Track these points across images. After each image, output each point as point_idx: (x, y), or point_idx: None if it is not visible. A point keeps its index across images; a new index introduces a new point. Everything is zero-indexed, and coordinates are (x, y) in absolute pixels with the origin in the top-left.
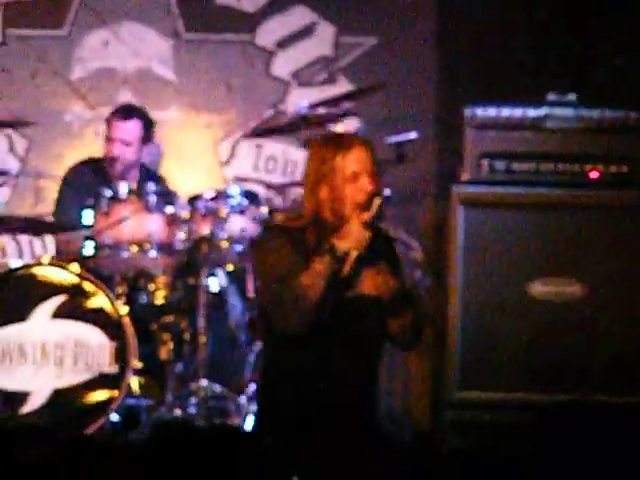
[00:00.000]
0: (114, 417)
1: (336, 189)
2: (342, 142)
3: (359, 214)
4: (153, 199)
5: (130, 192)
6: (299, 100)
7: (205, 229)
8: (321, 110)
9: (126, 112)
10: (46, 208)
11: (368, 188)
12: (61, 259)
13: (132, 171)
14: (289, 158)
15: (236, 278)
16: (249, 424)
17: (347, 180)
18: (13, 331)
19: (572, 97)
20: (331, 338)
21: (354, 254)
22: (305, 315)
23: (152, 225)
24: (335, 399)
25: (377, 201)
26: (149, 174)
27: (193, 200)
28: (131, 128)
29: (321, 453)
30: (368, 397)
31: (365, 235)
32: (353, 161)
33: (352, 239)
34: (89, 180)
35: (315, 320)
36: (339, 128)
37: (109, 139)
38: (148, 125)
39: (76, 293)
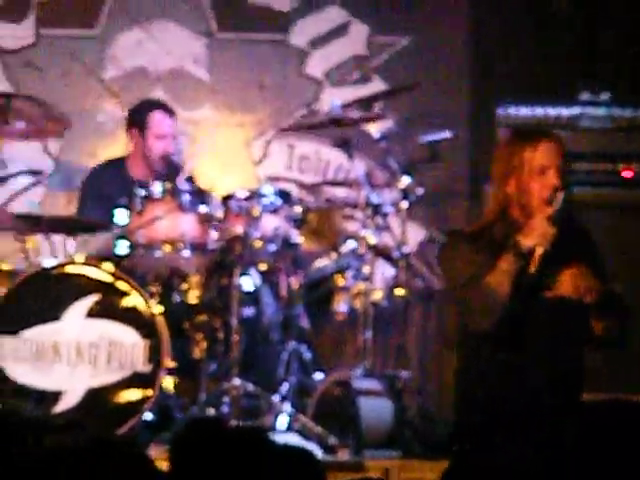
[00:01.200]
0: (147, 416)
1: (523, 183)
2: (531, 135)
3: (543, 209)
4: (187, 198)
5: (164, 191)
6: (332, 99)
7: (238, 228)
8: (354, 109)
9: (168, 109)
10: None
11: (554, 183)
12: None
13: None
14: (322, 157)
15: (269, 277)
16: (281, 423)
17: (534, 174)
18: (47, 330)
19: (605, 96)
20: (530, 340)
21: (539, 251)
22: (494, 314)
23: (185, 224)
24: (533, 402)
25: (561, 195)
26: (178, 171)
27: (226, 199)
28: (174, 123)
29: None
30: (568, 402)
31: (549, 231)
32: (542, 154)
33: (536, 235)
34: (109, 187)
35: (507, 320)
36: (372, 127)
37: (159, 136)
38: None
39: (110, 292)
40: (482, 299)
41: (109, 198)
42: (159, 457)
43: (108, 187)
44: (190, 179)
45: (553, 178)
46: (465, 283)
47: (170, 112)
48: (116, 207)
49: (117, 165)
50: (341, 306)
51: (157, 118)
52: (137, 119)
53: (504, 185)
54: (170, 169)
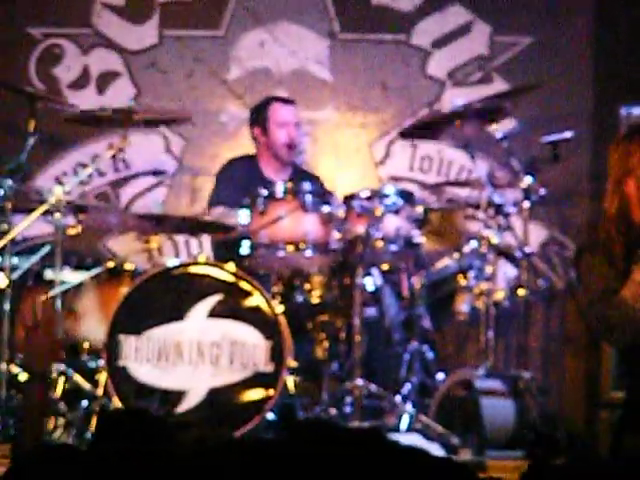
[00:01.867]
0: (270, 416)
1: None
2: None
3: None
4: (309, 198)
5: (286, 191)
6: (454, 99)
7: (360, 228)
8: (477, 109)
9: (286, 99)
10: (202, 207)
11: None
12: (217, 257)
13: (286, 169)
14: (444, 158)
15: (391, 277)
16: (404, 424)
17: None
18: (170, 330)
19: None
20: None
21: None
22: (632, 327)
23: (308, 224)
24: None
25: None
26: (302, 173)
27: (348, 199)
28: (294, 111)
29: None
30: None
31: None
32: None
33: None
34: (242, 176)
35: None
36: (494, 128)
37: (280, 124)
38: None
39: (232, 292)
40: (620, 315)
41: (242, 188)
42: None
43: (242, 178)
44: (316, 178)
45: None
46: (600, 298)
47: (288, 100)
48: (240, 207)
49: (251, 160)
50: (463, 306)
51: (276, 107)
52: (258, 115)
53: (622, 186)
54: (296, 173)
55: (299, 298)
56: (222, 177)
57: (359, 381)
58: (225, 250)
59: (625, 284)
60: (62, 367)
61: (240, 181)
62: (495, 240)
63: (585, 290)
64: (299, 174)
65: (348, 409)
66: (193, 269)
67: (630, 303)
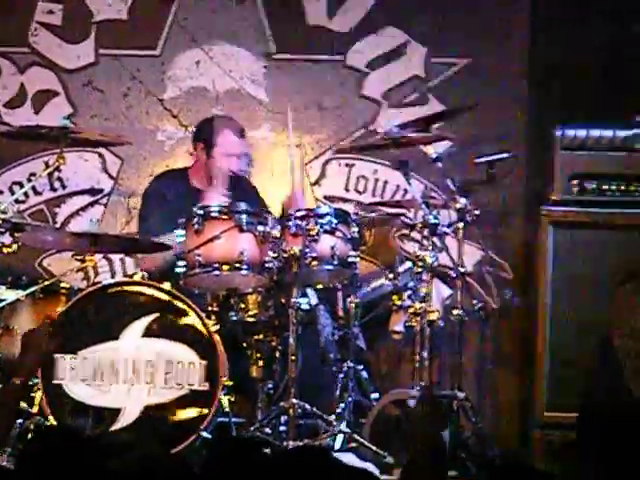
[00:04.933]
0: (205, 435)
1: None
2: None
3: None
4: (245, 217)
5: (221, 210)
6: (390, 120)
7: (295, 248)
8: (412, 130)
9: (240, 130)
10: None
11: None
12: (152, 277)
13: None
14: (379, 178)
15: (326, 297)
16: (338, 443)
17: None
18: (105, 349)
19: None
20: None
21: None
22: None
23: (243, 243)
24: None
25: None
26: (239, 182)
27: (284, 219)
28: (245, 143)
29: None
30: None
31: None
32: None
33: None
34: (171, 192)
35: None
36: (430, 148)
37: (228, 154)
38: None
39: (167, 311)
40: None
41: (171, 205)
42: None
43: (170, 194)
44: (252, 188)
45: None
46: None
47: (242, 132)
48: (175, 228)
49: (179, 174)
50: (398, 326)
51: (227, 137)
52: (205, 134)
53: None
54: (234, 186)
55: (234, 317)
56: (151, 195)
57: (294, 400)
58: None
59: None
60: None
61: (170, 197)
62: (430, 260)
63: (619, 323)
64: (237, 187)
65: (283, 428)
66: (128, 288)
67: None
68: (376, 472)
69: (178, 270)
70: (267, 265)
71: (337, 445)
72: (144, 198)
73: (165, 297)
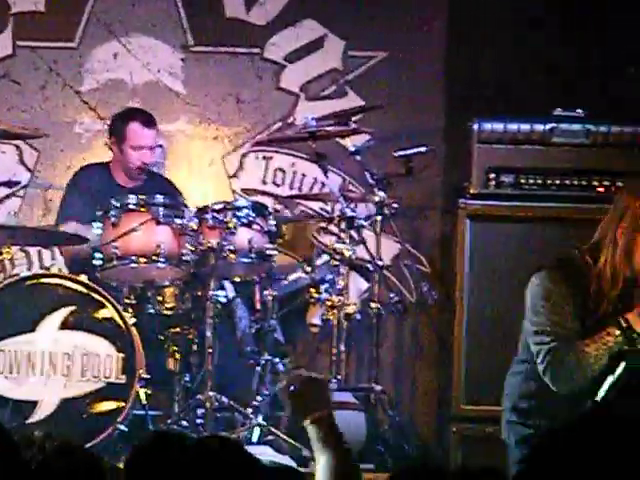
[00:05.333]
0: (122, 427)
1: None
2: None
3: None
4: (162, 210)
5: (139, 203)
6: (308, 113)
7: (213, 241)
8: (330, 123)
9: (148, 120)
10: (55, 219)
11: None
12: (70, 269)
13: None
14: (297, 171)
15: (243, 290)
16: (255, 436)
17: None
18: (22, 341)
19: (579, 112)
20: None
21: None
22: (582, 382)
23: (160, 236)
24: None
25: None
26: (156, 179)
27: (201, 212)
28: (153, 135)
29: None
30: None
31: None
32: None
33: None
34: (94, 185)
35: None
36: (348, 142)
37: (136, 147)
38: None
39: (84, 304)
40: (575, 365)
41: (93, 196)
42: None
43: (94, 187)
44: (170, 183)
45: None
46: (564, 337)
47: (149, 123)
48: (93, 220)
49: (103, 167)
50: (315, 319)
51: (133, 129)
52: (116, 128)
53: (636, 235)
54: (150, 180)
55: (151, 310)
56: (73, 186)
57: (211, 393)
58: (78, 262)
59: (593, 339)
60: None
61: (92, 190)
62: (347, 253)
63: (538, 320)
64: (153, 180)
65: (200, 421)
66: (45, 280)
67: (591, 362)
68: (292, 465)
69: (95, 262)
70: (184, 258)
71: (254, 438)
72: (67, 188)
73: (82, 289)
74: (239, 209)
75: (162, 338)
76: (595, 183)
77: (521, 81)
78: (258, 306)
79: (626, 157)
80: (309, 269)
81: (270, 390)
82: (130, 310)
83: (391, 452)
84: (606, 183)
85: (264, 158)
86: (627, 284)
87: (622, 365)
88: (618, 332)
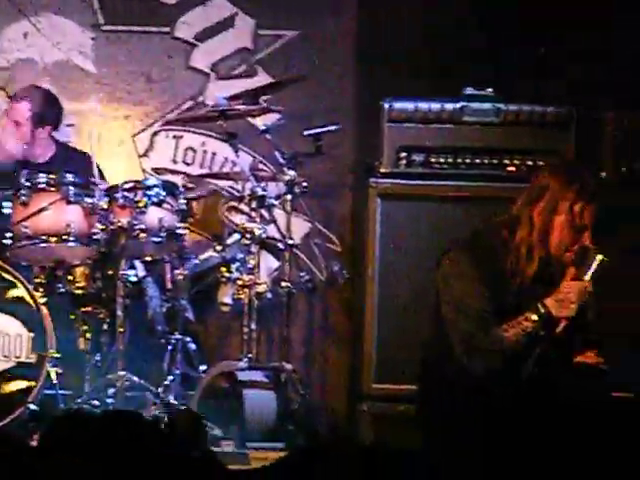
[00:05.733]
0: (32, 407)
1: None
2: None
3: (576, 271)
4: (72, 189)
5: (49, 182)
6: (218, 92)
7: (123, 220)
8: (240, 102)
9: (18, 95)
10: None
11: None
12: None
13: (48, 149)
14: (208, 150)
15: (154, 269)
16: (164, 415)
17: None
18: None
19: (489, 91)
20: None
21: (563, 324)
22: (498, 366)
23: (71, 215)
24: None
25: (599, 258)
26: (67, 151)
27: (111, 191)
28: (24, 108)
29: None
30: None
31: (584, 299)
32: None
33: (570, 308)
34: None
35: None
36: (258, 121)
37: (13, 124)
38: (44, 107)
39: None
40: (492, 349)
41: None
42: None
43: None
44: (82, 154)
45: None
46: (478, 319)
47: (21, 98)
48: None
49: None
50: (226, 298)
51: (11, 105)
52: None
53: (554, 214)
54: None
55: (62, 289)
56: None
57: (121, 372)
58: None
59: (512, 324)
60: None
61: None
62: (258, 232)
63: (454, 302)
64: (63, 152)
65: (111, 400)
66: None
67: (509, 346)
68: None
69: (5, 242)
70: (95, 237)
71: (163, 417)
72: None
73: None
74: (149, 188)
75: (73, 317)
76: (506, 162)
77: (432, 60)
78: (169, 285)
79: (536, 136)
80: (220, 248)
81: (181, 369)
82: (41, 290)
83: (302, 431)
84: (516, 162)
85: (174, 137)
86: (543, 264)
87: None
88: (536, 317)
